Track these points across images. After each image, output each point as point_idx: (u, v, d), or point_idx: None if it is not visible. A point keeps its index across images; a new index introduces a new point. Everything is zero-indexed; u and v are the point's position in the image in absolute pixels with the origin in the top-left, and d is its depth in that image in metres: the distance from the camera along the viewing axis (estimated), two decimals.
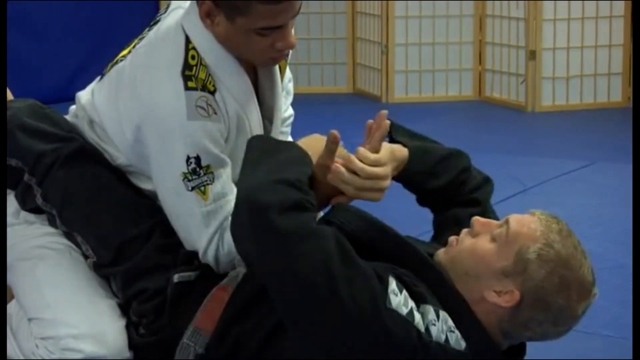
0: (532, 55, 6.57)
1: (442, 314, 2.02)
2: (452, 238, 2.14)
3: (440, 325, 2.00)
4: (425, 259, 2.10)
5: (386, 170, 2.20)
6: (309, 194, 2.09)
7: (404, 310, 1.97)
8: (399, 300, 1.98)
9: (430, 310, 2.01)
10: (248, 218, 2.00)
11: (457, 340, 2.01)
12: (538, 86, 6.61)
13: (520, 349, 2.17)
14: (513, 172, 4.90)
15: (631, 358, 2.41)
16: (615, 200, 4.51)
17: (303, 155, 2.21)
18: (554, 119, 6.45)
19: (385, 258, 2.10)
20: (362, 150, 2.18)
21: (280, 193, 2.02)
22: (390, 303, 1.96)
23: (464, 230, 2.14)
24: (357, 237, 2.09)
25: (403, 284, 2.02)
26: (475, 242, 2.09)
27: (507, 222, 2.07)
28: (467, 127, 6.32)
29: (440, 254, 2.15)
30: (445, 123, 6.32)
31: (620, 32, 6.69)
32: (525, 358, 2.18)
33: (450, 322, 2.02)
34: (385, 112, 2.20)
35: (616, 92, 6.77)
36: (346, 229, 2.09)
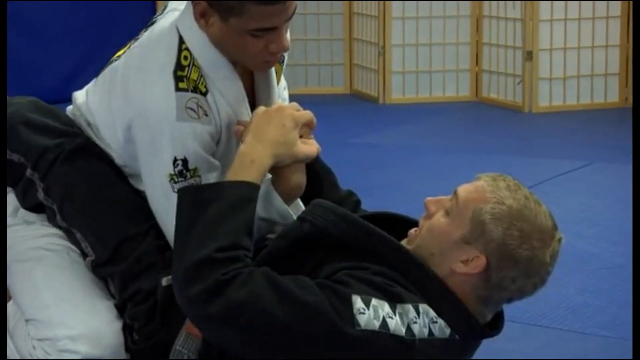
0: (529, 55, 6.57)
1: (422, 307, 2.03)
2: (411, 231, 2.16)
3: (421, 321, 2.01)
4: (397, 247, 2.11)
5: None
6: (239, 246, 2.04)
7: (376, 324, 1.97)
8: (368, 315, 1.97)
9: (409, 309, 2.01)
10: (187, 311, 2.03)
11: (441, 329, 2.03)
12: (535, 87, 6.61)
13: (498, 317, 2.16)
14: (510, 172, 4.80)
15: (630, 358, 2.41)
16: (612, 200, 4.51)
17: (238, 198, 2.10)
18: (551, 119, 6.45)
19: (358, 251, 2.10)
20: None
21: (204, 276, 1.98)
22: (359, 324, 1.96)
23: (421, 217, 2.15)
24: (329, 231, 2.10)
25: (377, 288, 2.01)
26: (431, 221, 2.12)
27: (455, 193, 2.10)
28: (464, 128, 6.32)
29: (404, 245, 2.15)
30: (443, 124, 6.32)
31: (616, 32, 6.70)
32: (525, 358, 2.19)
33: (432, 313, 2.03)
34: None
35: (613, 93, 6.77)
36: (319, 224, 2.10)
